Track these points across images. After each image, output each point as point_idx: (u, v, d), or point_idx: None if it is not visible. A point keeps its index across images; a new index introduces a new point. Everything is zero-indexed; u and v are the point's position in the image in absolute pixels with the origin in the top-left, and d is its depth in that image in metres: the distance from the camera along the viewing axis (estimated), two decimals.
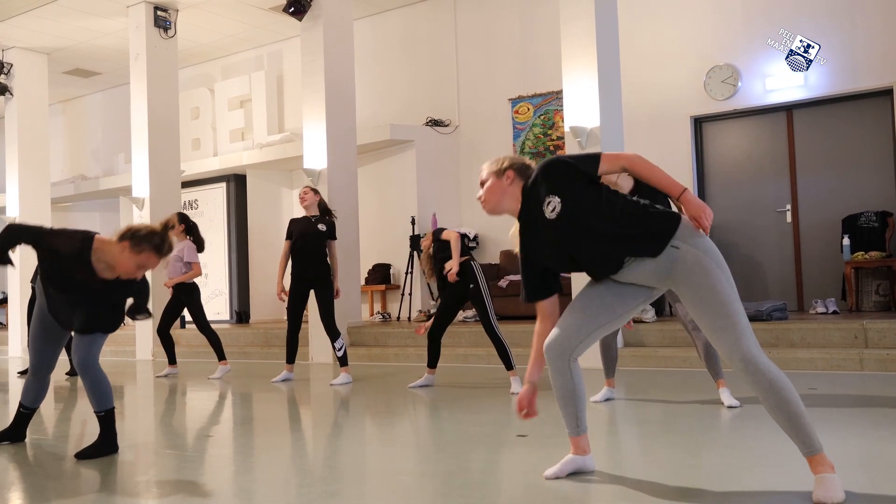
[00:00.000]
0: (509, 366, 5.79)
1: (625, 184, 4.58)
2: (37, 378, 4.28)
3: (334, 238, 7.03)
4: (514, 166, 3.09)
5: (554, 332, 3.04)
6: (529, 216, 3.02)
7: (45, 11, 10.99)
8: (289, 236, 7.00)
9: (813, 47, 8.23)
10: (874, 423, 4.13)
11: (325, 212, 7.07)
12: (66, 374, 8.31)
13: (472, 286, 5.90)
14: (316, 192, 7.14)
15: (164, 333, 7.86)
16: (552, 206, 2.91)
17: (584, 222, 2.87)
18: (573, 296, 3.23)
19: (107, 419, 3.98)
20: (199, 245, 7.76)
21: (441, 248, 6.05)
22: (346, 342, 7.05)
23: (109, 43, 12.20)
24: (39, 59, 12.68)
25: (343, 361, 6.84)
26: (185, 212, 8.24)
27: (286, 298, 6.95)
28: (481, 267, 6.09)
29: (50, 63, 12.88)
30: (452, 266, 5.82)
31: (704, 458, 3.50)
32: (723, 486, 2.97)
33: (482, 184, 3.13)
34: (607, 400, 5.05)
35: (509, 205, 3.08)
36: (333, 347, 6.86)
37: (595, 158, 2.92)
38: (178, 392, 6.92)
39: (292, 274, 6.97)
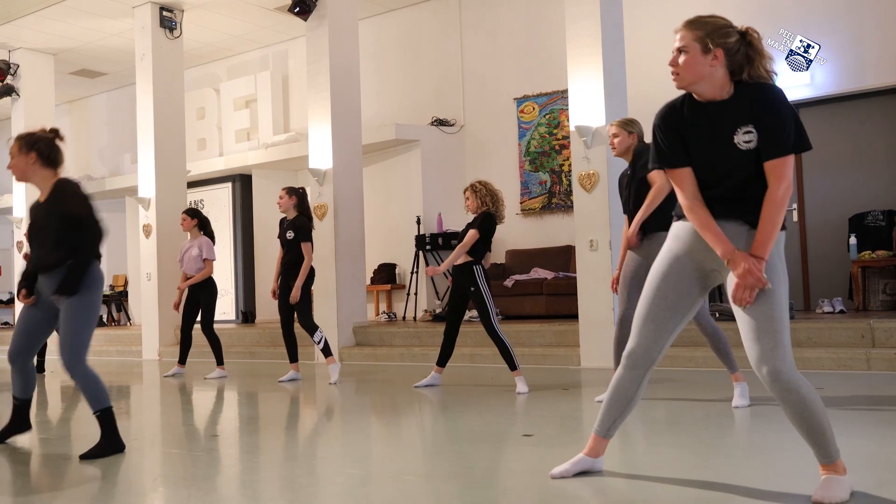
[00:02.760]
0: (512, 366, 5.78)
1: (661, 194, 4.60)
2: (12, 365, 4.18)
3: (305, 240, 6.86)
4: (726, 45, 2.71)
5: (636, 342, 2.91)
6: (712, 122, 2.73)
7: (52, 12, 11.02)
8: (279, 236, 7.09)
9: (813, 47, 8.21)
10: (881, 423, 4.11)
11: (301, 213, 6.99)
12: None
13: (472, 289, 5.86)
14: (292, 193, 6.99)
15: (186, 333, 7.84)
16: (748, 138, 2.66)
17: (755, 165, 2.68)
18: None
19: (105, 418, 3.91)
20: (212, 240, 7.82)
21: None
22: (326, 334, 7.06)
23: (115, 43, 12.22)
24: (46, 59, 12.71)
25: (326, 352, 6.81)
26: (196, 208, 8.25)
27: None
28: (485, 270, 6.02)
29: (56, 63, 12.91)
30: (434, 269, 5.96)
31: (711, 458, 3.49)
32: (730, 485, 2.97)
33: (677, 47, 2.75)
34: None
35: (704, 89, 2.73)
36: (314, 342, 6.86)
37: (788, 151, 2.64)
38: (185, 391, 6.93)
39: (281, 269, 7.07)
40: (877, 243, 7.99)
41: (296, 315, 6.91)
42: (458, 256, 5.83)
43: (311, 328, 6.85)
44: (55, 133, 4.19)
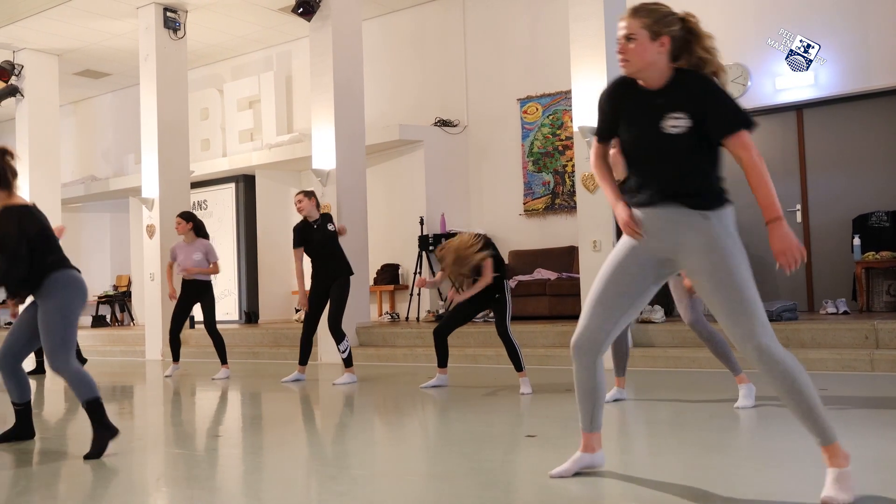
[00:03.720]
0: (519, 367, 5.78)
1: (620, 168, 4.58)
2: (2, 371, 4.22)
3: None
4: (672, 33, 2.79)
5: (581, 328, 2.99)
6: (646, 105, 2.81)
7: (56, 13, 11.04)
8: (299, 244, 6.96)
9: (813, 47, 8.20)
10: (885, 424, 4.10)
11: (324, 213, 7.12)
12: None
13: (497, 296, 5.84)
14: (310, 195, 7.04)
15: (174, 336, 7.88)
16: (675, 123, 2.74)
17: (687, 152, 2.76)
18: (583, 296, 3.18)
19: (92, 409, 3.97)
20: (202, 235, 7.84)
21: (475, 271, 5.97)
22: (352, 343, 7.09)
23: (119, 44, 12.25)
24: (50, 60, 12.73)
25: (348, 363, 6.84)
26: (191, 211, 8.27)
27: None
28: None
29: (60, 64, 12.93)
30: (464, 294, 5.84)
31: (714, 459, 3.49)
32: (733, 487, 2.96)
33: (624, 35, 2.79)
34: (616, 400, 5.03)
35: (650, 75, 2.80)
36: (338, 350, 6.85)
37: (738, 129, 2.71)
38: (187, 392, 6.94)
39: (313, 276, 6.98)
40: (881, 244, 7.97)
41: (329, 313, 6.86)
42: (481, 288, 5.80)
43: (340, 335, 6.85)
44: (5, 152, 4.14)
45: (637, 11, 2.80)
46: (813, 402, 2.64)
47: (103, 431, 3.95)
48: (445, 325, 6.08)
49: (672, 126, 2.75)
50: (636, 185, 2.87)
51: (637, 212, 2.87)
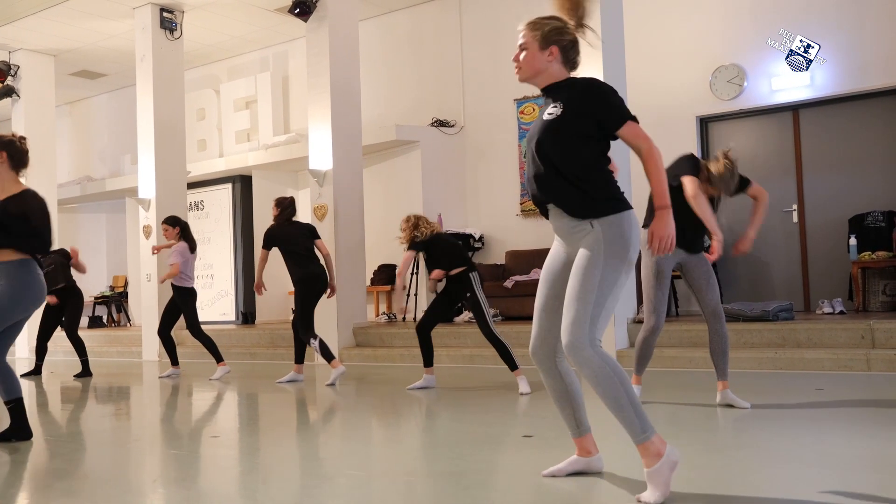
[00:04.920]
0: (513, 366, 5.79)
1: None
2: None
3: (318, 237, 7.32)
4: (560, 42, 2.94)
5: (532, 336, 3.09)
6: (544, 107, 2.97)
7: (52, 13, 11.03)
8: (271, 245, 7.20)
9: (813, 47, 8.20)
10: (881, 424, 4.11)
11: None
12: (74, 375, 8.34)
13: (468, 294, 5.98)
14: (278, 205, 7.27)
15: (164, 335, 7.89)
16: (552, 111, 2.88)
17: (557, 147, 2.85)
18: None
19: (14, 408, 4.29)
20: (192, 246, 7.81)
21: (442, 253, 6.09)
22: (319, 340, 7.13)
23: (116, 44, 12.23)
24: (46, 60, 12.72)
25: (328, 357, 6.75)
26: (176, 216, 8.33)
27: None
28: (480, 275, 6.12)
29: (56, 65, 12.91)
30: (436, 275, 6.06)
31: (711, 458, 3.49)
32: (729, 487, 2.97)
33: (519, 45, 2.99)
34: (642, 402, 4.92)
35: (540, 82, 2.98)
36: (313, 349, 6.85)
37: (625, 118, 2.83)
38: (183, 393, 6.93)
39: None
40: (877, 244, 7.99)
41: (294, 315, 6.91)
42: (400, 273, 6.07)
43: (307, 336, 6.82)
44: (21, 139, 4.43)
45: (533, 24, 2.99)
46: (620, 401, 2.74)
47: (17, 429, 4.30)
48: (425, 320, 6.12)
49: (549, 113, 2.89)
50: (532, 192, 2.99)
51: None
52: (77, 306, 8.39)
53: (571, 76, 2.97)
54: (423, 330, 6.09)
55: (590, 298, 2.77)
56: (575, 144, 2.84)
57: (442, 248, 6.12)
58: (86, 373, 8.30)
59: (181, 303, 7.72)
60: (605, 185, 2.86)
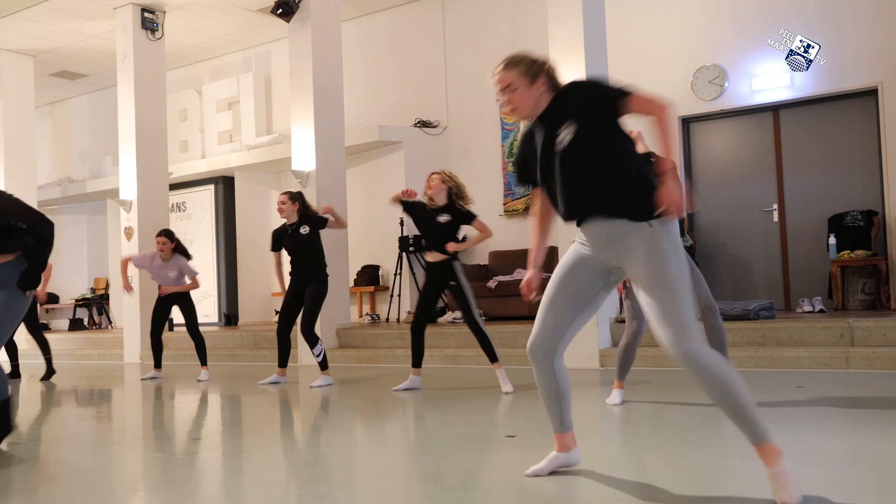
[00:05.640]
0: (493, 357, 5.81)
1: (640, 147, 4.55)
2: None
3: (323, 227, 6.92)
4: (547, 73, 2.98)
5: (534, 333, 3.05)
6: (540, 132, 2.96)
7: (32, 13, 10.94)
8: (275, 248, 6.98)
9: (813, 47, 8.24)
10: (861, 421, 4.16)
11: (305, 214, 6.94)
12: (41, 379, 8.27)
13: (453, 283, 5.91)
14: (295, 199, 6.93)
15: (155, 337, 7.84)
16: (562, 137, 2.84)
17: (597, 160, 2.80)
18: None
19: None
20: (187, 256, 7.82)
21: (448, 226, 6.04)
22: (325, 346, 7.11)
23: (96, 45, 12.15)
24: (25, 61, 12.61)
25: (323, 365, 6.80)
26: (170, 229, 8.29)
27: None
28: (464, 266, 6.12)
29: (36, 65, 12.81)
30: (454, 247, 6.00)
31: (695, 457, 3.52)
32: (712, 485, 2.99)
33: (503, 88, 2.96)
34: (624, 402, 4.96)
35: (537, 111, 2.99)
36: (312, 354, 6.82)
37: (625, 95, 2.79)
38: (166, 395, 6.90)
39: (290, 277, 6.97)
40: (856, 243, 8.08)
41: (302, 316, 6.84)
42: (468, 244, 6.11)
43: (314, 339, 6.80)
44: None
45: (509, 64, 2.98)
46: (743, 401, 2.64)
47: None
48: (418, 317, 6.04)
49: (558, 141, 2.86)
50: (567, 213, 2.93)
51: (581, 233, 2.96)
52: (34, 306, 8.45)
53: (554, 93, 2.97)
54: (418, 328, 6.00)
55: (687, 300, 2.69)
56: (610, 147, 2.79)
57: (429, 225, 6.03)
58: (49, 372, 8.27)
59: (184, 304, 7.69)
60: (649, 178, 2.80)
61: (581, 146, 2.81)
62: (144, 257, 7.83)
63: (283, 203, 6.89)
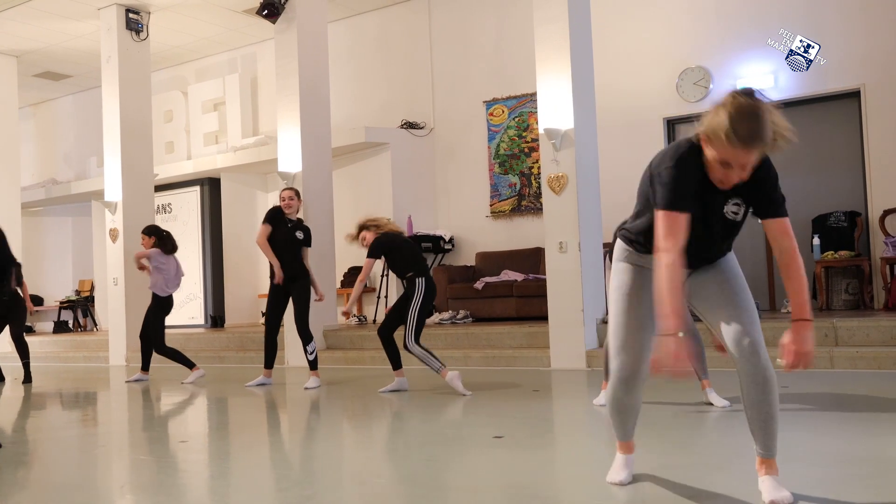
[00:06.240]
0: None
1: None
2: None
3: (309, 246, 7.10)
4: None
5: (630, 359, 2.85)
6: (714, 190, 2.68)
7: (15, 13, 10.85)
8: (269, 220, 6.93)
9: (813, 47, 8.27)
10: (845, 420, 4.19)
11: (301, 220, 7.14)
12: (23, 382, 8.19)
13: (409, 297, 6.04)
14: (300, 197, 7.13)
15: (145, 339, 7.81)
16: (735, 210, 2.74)
17: (737, 230, 2.83)
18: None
19: None
20: (166, 250, 7.77)
21: (398, 260, 6.15)
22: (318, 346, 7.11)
23: (80, 45, 12.07)
24: (8, 61, 12.51)
25: (313, 365, 6.82)
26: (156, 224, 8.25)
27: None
28: (434, 284, 6.16)
29: (19, 66, 12.72)
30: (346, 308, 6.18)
31: (678, 457, 3.53)
32: (695, 484, 3.00)
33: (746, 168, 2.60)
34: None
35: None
36: (305, 351, 6.83)
37: (783, 214, 2.85)
38: (152, 397, 6.86)
39: (272, 275, 6.94)
40: (839, 244, 8.14)
41: (295, 317, 6.89)
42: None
43: (308, 337, 6.83)
44: None
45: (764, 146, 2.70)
46: (776, 412, 2.68)
47: None
48: (384, 323, 6.15)
49: (733, 213, 2.74)
50: (694, 264, 2.79)
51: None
52: (22, 312, 8.32)
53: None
54: (384, 332, 6.11)
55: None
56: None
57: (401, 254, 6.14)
58: (27, 378, 8.22)
59: (155, 311, 7.69)
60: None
61: (741, 222, 2.79)
62: (162, 258, 7.76)
63: (291, 199, 6.98)
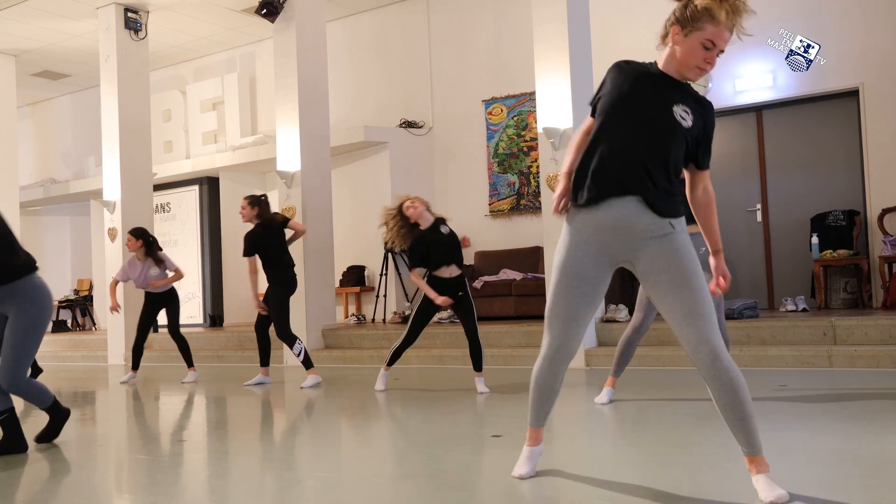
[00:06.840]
0: (480, 367, 5.87)
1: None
2: None
3: (286, 225, 7.02)
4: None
5: (557, 342, 2.96)
6: (667, 89, 2.83)
7: (13, 13, 10.84)
8: (248, 253, 6.96)
9: (813, 47, 8.26)
10: (843, 418, 4.19)
11: (269, 219, 6.98)
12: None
13: (462, 294, 5.98)
14: (254, 204, 6.95)
15: (139, 345, 7.81)
16: (686, 116, 2.79)
17: (677, 147, 2.79)
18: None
19: (55, 410, 4.43)
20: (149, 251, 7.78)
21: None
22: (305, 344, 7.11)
23: (79, 45, 12.06)
24: (7, 61, 12.50)
25: (306, 364, 6.79)
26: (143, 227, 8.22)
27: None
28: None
29: (18, 65, 12.70)
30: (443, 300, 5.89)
31: (678, 457, 3.54)
32: (693, 482, 3.01)
33: (723, 48, 2.95)
34: (612, 401, 4.97)
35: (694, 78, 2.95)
36: (293, 354, 6.80)
37: (707, 167, 2.95)
38: (151, 397, 6.86)
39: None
40: (838, 243, 8.15)
41: (274, 325, 6.83)
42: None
43: (290, 339, 6.77)
44: None
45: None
46: (750, 410, 2.69)
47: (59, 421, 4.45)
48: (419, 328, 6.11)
49: (682, 117, 2.79)
50: (614, 172, 2.80)
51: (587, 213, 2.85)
52: None
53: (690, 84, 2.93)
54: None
55: (710, 300, 2.76)
56: (682, 149, 2.81)
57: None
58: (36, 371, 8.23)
59: (171, 303, 7.70)
60: (682, 190, 2.91)
61: (684, 137, 2.78)
62: (125, 269, 7.81)
63: (242, 209, 7.05)
